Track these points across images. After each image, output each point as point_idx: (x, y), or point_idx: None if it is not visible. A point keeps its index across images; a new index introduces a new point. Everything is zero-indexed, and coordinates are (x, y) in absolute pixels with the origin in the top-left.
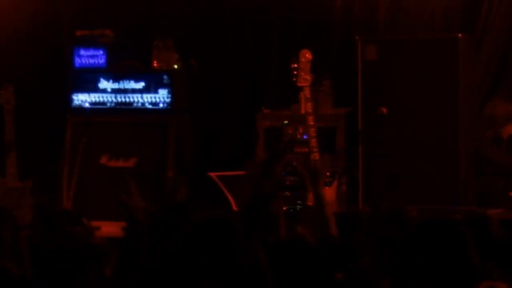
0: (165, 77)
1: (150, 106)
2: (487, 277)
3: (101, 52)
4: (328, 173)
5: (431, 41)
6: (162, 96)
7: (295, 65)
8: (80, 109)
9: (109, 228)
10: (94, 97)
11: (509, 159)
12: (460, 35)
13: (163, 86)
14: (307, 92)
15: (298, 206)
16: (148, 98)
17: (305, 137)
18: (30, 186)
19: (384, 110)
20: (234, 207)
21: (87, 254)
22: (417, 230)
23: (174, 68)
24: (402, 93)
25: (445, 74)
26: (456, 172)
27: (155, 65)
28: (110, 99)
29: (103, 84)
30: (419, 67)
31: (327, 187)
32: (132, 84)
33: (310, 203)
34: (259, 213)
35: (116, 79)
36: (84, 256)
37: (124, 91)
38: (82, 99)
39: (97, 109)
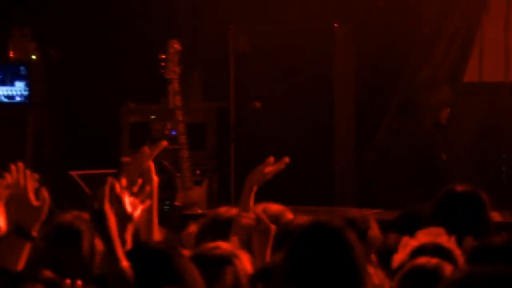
0: (22, 68)
1: (5, 100)
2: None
3: None
4: (198, 172)
5: (306, 31)
6: (19, 89)
7: (163, 56)
8: None
9: None
10: None
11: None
12: (336, 25)
13: (20, 78)
14: (175, 85)
15: (166, 207)
16: (3, 91)
17: (173, 133)
18: None
19: (258, 104)
20: None
21: None
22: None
23: (32, 59)
24: (276, 86)
25: (320, 66)
26: (331, 169)
27: (11, 55)
28: None
29: None
30: (294, 58)
31: (197, 186)
32: None
33: (178, 203)
34: None
35: None
36: None
37: None
38: None
39: None
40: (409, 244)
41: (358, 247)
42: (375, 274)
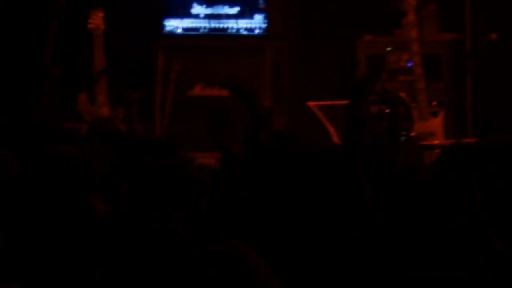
0: (260, 1)
1: (245, 32)
2: None
3: None
4: (434, 103)
5: None
6: (257, 21)
7: None
8: (172, 35)
9: (203, 160)
10: (186, 22)
11: None
12: None
13: (258, 11)
14: (411, 17)
15: (402, 137)
16: (243, 23)
17: (409, 64)
18: (122, 115)
19: (494, 36)
20: (335, 138)
21: (182, 186)
22: None
23: None
24: None
25: None
26: None
27: None
28: (203, 25)
29: (196, 9)
30: None
31: (433, 118)
32: (227, 9)
33: (414, 133)
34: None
35: (209, 4)
36: (179, 187)
37: (218, 16)
38: (174, 24)
39: (190, 35)
40: None
41: None
42: None
